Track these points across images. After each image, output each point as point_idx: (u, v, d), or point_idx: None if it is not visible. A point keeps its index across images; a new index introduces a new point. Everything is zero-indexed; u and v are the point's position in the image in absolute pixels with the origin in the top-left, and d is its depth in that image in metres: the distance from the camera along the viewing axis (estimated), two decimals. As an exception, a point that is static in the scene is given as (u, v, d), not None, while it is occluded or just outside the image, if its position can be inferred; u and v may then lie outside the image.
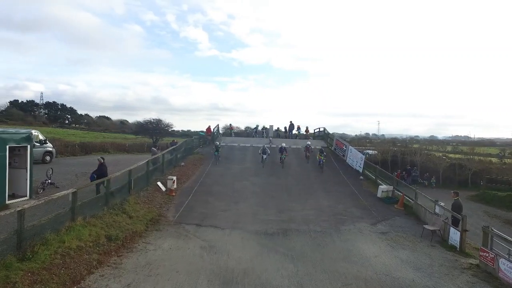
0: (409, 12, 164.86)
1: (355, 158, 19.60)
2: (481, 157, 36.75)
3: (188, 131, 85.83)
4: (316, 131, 31.06)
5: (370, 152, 33.54)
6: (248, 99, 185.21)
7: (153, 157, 15.50)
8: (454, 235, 9.75)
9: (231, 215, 12.22)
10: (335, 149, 23.00)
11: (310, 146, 21.02)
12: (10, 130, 12.72)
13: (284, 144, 19.70)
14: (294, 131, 29.45)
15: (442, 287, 7.21)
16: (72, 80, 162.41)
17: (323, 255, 8.98)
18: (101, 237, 8.44)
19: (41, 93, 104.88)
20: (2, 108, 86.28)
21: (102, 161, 11.75)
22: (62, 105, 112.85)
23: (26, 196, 11.04)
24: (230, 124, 32.73)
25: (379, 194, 14.69)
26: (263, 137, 28.45)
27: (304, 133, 29.69)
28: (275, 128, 30.26)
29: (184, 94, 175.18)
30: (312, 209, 13.25)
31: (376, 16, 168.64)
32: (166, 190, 14.24)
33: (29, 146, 11.20)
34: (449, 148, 56.89)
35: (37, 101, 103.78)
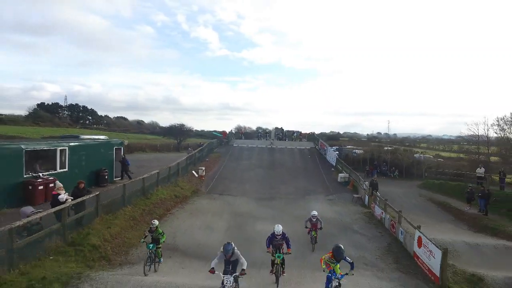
0: (419, 10, 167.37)
1: (331, 156, 26.79)
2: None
3: (202, 131, 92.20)
4: (309, 133, 38.34)
5: (356, 151, 40.42)
6: (258, 98, 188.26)
7: (189, 154, 23.19)
8: (366, 199, 16.94)
9: (240, 190, 19.70)
10: (319, 148, 30.25)
11: (318, 220, 11.14)
12: (115, 139, 20.63)
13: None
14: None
15: (343, 219, 14.51)
16: (85, 81, 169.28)
17: (290, 208, 16.33)
18: (171, 196, 16.08)
19: (65, 96, 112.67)
20: (30, 110, 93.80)
21: (124, 156, 19.21)
22: (84, 107, 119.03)
23: (119, 177, 18.83)
24: (241, 129, 40.37)
25: (339, 179, 21.88)
26: (266, 139, 36.00)
27: (299, 135, 37.09)
28: (273, 131, 37.63)
29: (194, 94, 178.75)
30: (293, 187, 20.63)
31: (386, 15, 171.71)
32: (198, 176, 21.84)
33: (122, 148, 19.03)
34: (455, 147, 61.58)
35: (61, 103, 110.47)
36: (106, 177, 16.45)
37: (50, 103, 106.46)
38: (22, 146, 12.38)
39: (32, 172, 12.77)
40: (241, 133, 39.78)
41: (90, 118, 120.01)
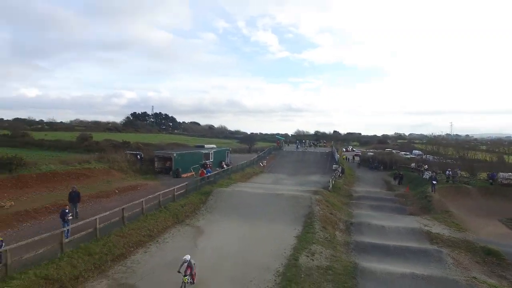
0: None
1: (337, 156, 46.63)
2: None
3: (266, 134, 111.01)
4: (331, 141, 58.08)
5: (370, 153, 58.78)
6: (319, 99, 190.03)
7: (258, 155, 45.77)
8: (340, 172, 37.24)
9: (282, 171, 41.40)
10: (332, 151, 50.14)
11: (189, 264, 11.06)
12: (225, 147, 44.55)
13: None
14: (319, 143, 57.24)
15: (321, 181, 35.29)
16: (156, 87, 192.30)
17: (302, 178, 37.50)
18: (251, 172, 38.61)
19: (152, 106, 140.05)
20: (123, 119, 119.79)
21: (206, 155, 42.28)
22: (166, 115, 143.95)
23: (229, 165, 42.13)
24: (289, 139, 61.75)
25: (333, 168, 41.95)
26: (303, 146, 56.77)
27: (324, 143, 57.13)
28: (307, 141, 58.27)
29: (257, 96, 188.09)
30: (307, 170, 41.61)
31: (456, 7, 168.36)
32: (262, 166, 44.09)
33: (229, 152, 42.49)
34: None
35: (148, 111, 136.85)
36: (225, 165, 39.71)
37: (139, 112, 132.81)
38: (202, 151, 36.28)
39: (204, 160, 36.54)
40: (289, 141, 61.35)
41: (170, 124, 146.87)
